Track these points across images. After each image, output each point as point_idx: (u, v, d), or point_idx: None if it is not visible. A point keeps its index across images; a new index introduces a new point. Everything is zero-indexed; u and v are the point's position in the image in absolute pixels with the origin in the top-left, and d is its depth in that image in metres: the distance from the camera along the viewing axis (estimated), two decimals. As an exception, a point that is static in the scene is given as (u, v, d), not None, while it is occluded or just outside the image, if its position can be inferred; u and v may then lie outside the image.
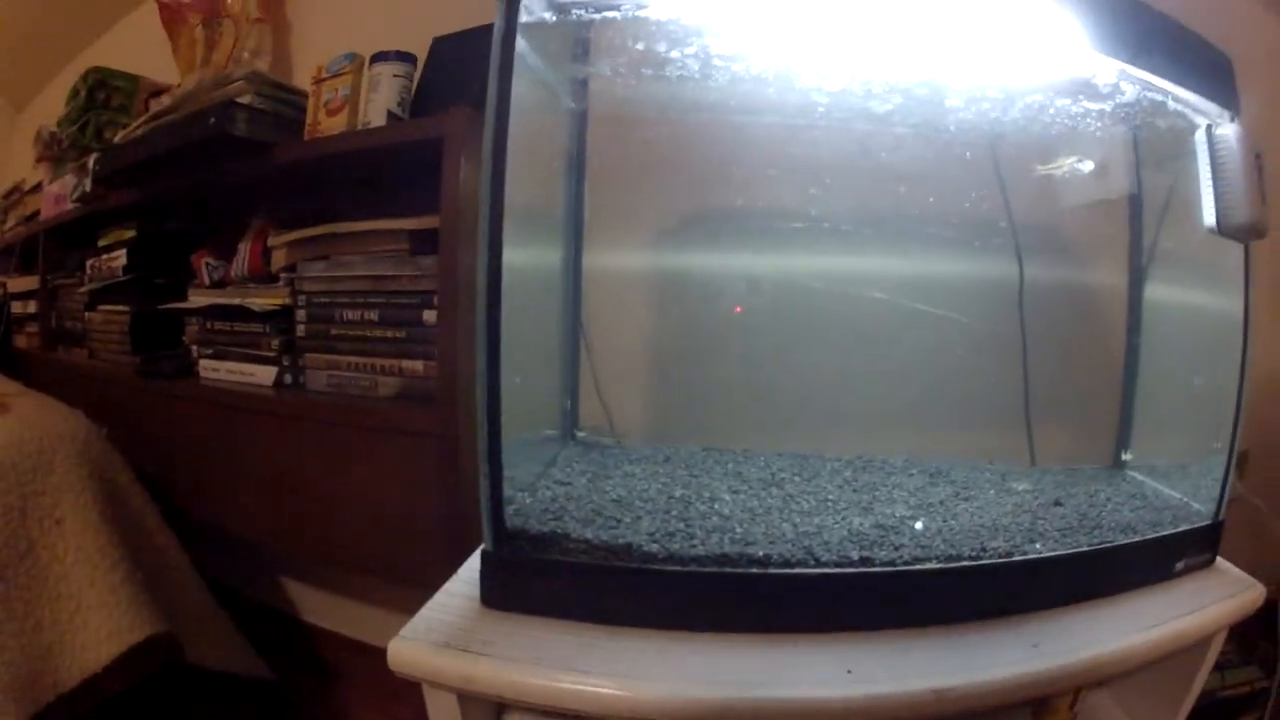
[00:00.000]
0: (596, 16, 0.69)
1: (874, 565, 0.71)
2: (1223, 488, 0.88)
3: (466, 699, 0.65)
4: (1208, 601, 0.79)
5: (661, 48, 0.74)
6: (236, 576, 1.79)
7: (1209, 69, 0.84)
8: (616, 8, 0.67)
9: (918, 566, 0.72)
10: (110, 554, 1.23)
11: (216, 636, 1.47)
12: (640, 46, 0.75)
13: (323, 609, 1.86)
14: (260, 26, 1.68)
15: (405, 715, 1.02)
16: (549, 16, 0.68)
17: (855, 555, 0.71)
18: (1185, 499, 0.94)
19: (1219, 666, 1.41)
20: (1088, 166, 1.02)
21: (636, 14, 0.67)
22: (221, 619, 1.51)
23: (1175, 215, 0.97)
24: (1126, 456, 1.10)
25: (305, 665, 1.77)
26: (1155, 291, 1.06)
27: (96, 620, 1.17)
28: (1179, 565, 0.85)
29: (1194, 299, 1.01)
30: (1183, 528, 0.86)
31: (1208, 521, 0.88)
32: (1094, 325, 1.13)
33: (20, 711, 1.07)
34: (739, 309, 1.05)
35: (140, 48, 2.00)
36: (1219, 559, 0.90)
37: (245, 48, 1.66)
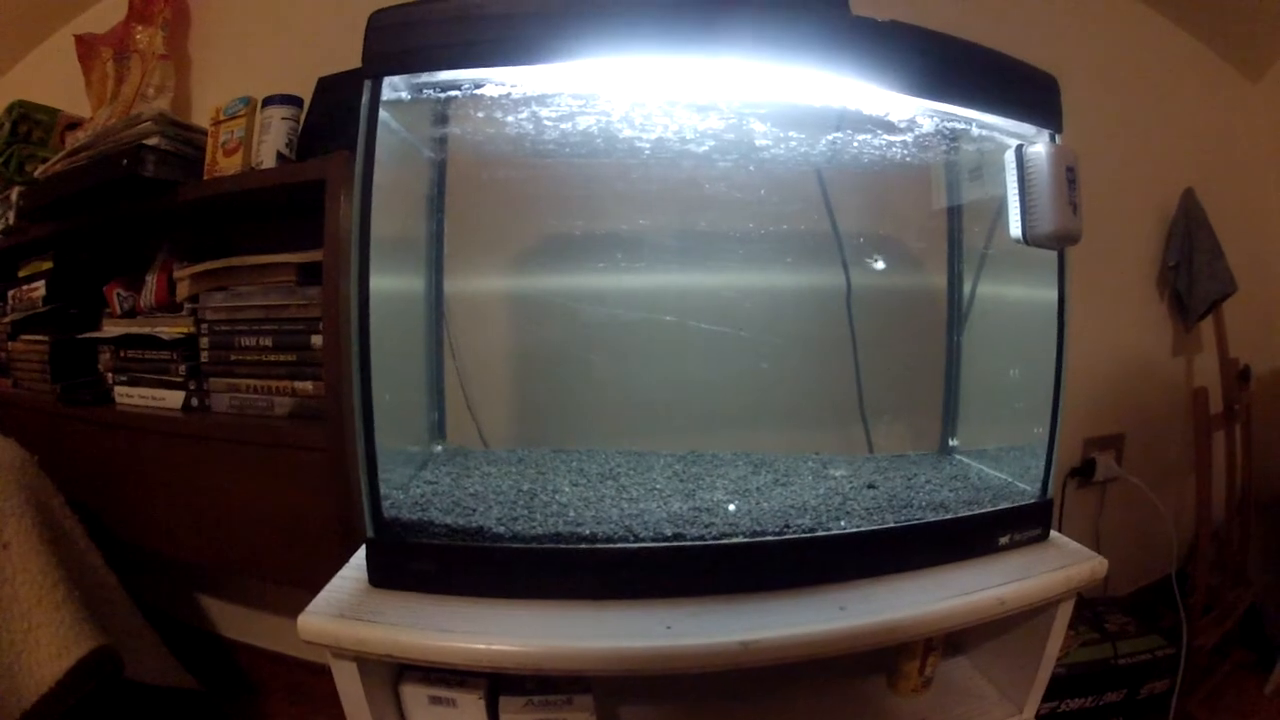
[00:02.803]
0: (443, 95, 0.82)
1: (685, 540, 0.81)
2: (1046, 469, 0.94)
3: (366, 669, 0.77)
4: (1032, 573, 0.86)
5: (499, 115, 0.89)
6: (159, 595, 1.82)
7: (1032, 93, 0.90)
8: (458, 88, 0.80)
9: (725, 541, 0.81)
10: (51, 574, 1.27)
11: (146, 651, 1.50)
12: (482, 115, 0.90)
13: (241, 623, 1.88)
14: (164, 63, 1.71)
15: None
16: (405, 96, 0.81)
17: (669, 532, 0.81)
18: (1010, 479, 1.00)
19: (1111, 637, 1.53)
20: (879, 264, 1.14)
21: (475, 93, 0.80)
22: (150, 634, 1.54)
23: (1001, 225, 0.98)
24: (954, 443, 1.18)
25: (227, 677, 1.80)
26: (984, 293, 1.13)
27: (46, 638, 1.20)
28: (1004, 540, 0.91)
29: (1024, 299, 1.04)
30: (1003, 506, 0.92)
31: (1033, 500, 0.94)
32: (925, 326, 1.19)
33: (-9, 735, 1.09)
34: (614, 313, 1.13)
35: (53, 78, 2.00)
36: (1057, 534, 0.96)
37: (150, 83, 1.70)
